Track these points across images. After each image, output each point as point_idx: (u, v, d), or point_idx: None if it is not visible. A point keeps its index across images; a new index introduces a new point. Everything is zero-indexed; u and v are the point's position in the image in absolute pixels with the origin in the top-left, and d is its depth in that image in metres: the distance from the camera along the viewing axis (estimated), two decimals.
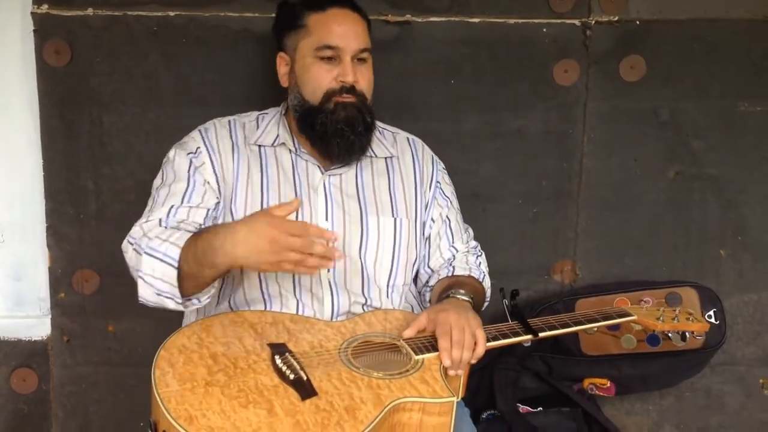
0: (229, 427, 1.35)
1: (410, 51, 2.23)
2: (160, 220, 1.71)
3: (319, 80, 1.76)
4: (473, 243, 2.01)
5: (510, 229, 2.35)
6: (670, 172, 2.35)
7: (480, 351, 1.59)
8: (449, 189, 1.99)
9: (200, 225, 1.73)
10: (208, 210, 1.76)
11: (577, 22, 2.24)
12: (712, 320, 2.27)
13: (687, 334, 1.85)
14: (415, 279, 1.97)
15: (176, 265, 1.56)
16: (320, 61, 1.76)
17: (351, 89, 1.75)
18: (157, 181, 1.81)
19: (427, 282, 1.94)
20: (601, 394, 2.32)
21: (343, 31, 1.76)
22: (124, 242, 1.71)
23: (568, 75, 2.27)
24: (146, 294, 1.63)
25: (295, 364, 1.51)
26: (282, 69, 1.87)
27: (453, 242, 1.95)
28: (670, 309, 1.86)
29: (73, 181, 2.23)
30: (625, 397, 2.45)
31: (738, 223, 2.38)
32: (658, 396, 2.48)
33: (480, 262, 1.97)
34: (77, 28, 2.15)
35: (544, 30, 2.24)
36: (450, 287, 1.79)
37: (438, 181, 1.96)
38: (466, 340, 1.57)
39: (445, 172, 2.01)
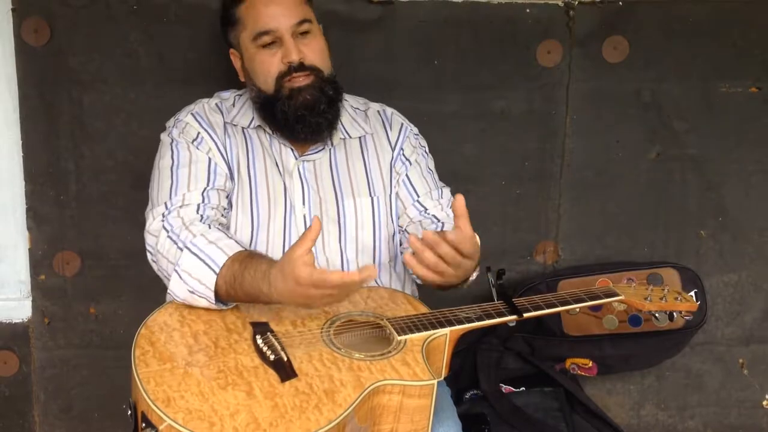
0: (207, 410, 1.34)
1: (393, 31, 2.21)
2: (198, 207, 1.67)
3: (267, 67, 1.73)
4: (449, 209, 1.90)
5: (493, 210, 2.35)
6: (652, 153, 2.35)
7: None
8: (416, 152, 1.92)
9: (226, 210, 1.72)
10: (228, 196, 1.75)
11: (560, 2, 2.23)
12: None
13: (675, 313, 1.83)
14: None
15: (218, 271, 1.55)
16: (262, 49, 1.73)
17: (300, 66, 1.71)
18: (166, 162, 1.74)
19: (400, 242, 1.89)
20: (583, 374, 2.33)
21: (272, 11, 1.71)
22: (156, 224, 1.66)
23: (551, 56, 2.26)
24: (178, 289, 1.60)
25: (276, 344, 1.50)
26: (237, 64, 1.84)
27: (418, 198, 1.88)
28: (658, 288, 1.84)
29: (53, 163, 2.20)
30: (607, 377, 2.47)
31: (718, 203, 2.39)
32: (639, 376, 2.50)
33: None
34: (56, 7, 2.11)
35: (528, 11, 2.23)
36: None
37: (402, 148, 1.91)
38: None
39: (414, 135, 1.94)
